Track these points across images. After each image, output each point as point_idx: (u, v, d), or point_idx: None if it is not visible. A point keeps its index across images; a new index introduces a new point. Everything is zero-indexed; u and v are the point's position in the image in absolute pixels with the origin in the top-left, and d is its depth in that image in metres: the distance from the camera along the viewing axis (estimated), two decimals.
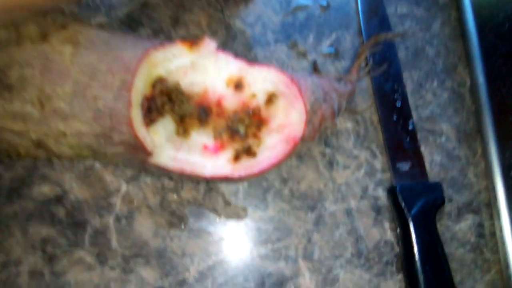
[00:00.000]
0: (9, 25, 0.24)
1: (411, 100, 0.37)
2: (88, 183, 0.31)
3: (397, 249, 0.34)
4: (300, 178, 0.34)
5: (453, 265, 0.34)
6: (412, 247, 0.32)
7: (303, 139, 0.28)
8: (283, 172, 0.34)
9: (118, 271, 0.30)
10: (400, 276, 0.33)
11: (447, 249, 0.34)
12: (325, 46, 0.38)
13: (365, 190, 0.34)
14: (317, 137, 0.30)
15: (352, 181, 0.34)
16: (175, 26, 0.35)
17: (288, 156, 0.28)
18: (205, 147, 0.28)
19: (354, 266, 0.33)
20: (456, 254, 0.35)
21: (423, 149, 0.36)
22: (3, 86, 0.24)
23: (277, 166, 0.28)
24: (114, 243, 0.30)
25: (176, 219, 0.32)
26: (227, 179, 0.28)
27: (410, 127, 0.36)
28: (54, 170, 0.31)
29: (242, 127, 0.28)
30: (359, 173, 0.35)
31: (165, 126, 0.27)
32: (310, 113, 0.28)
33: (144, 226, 0.31)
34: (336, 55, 0.38)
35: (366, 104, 0.37)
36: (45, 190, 0.30)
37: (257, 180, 0.33)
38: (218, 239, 0.32)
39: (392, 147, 0.35)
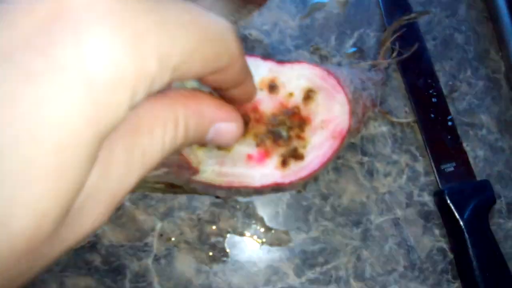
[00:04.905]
0: None
1: (445, 94, 0.36)
2: (121, 225, 0.30)
3: (450, 255, 0.33)
4: (341, 192, 0.33)
5: (510, 265, 0.33)
6: (467, 253, 0.31)
7: (349, 131, 0.27)
8: (322, 188, 0.33)
9: None
10: (457, 284, 0.32)
11: (501, 249, 0.33)
12: (349, 46, 0.36)
13: (410, 197, 0.34)
14: (362, 129, 0.30)
15: (395, 189, 0.34)
16: None
17: (337, 152, 0.27)
18: (249, 157, 0.27)
19: (408, 279, 0.32)
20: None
21: (464, 145, 0.35)
22: None
23: (327, 164, 0.28)
24: (156, 285, 0.30)
25: (217, 252, 0.31)
26: (278, 187, 0.27)
27: (450, 124, 0.35)
28: None
29: (284, 130, 0.28)
30: (402, 179, 0.34)
31: None
32: (353, 103, 0.28)
33: (185, 264, 0.30)
34: (361, 54, 0.36)
35: (399, 103, 0.35)
36: None
37: (296, 200, 0.32)
38: (264, 268, 0.31)
39: (434, 148, 0.34)
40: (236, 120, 0.22)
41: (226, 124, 0.21)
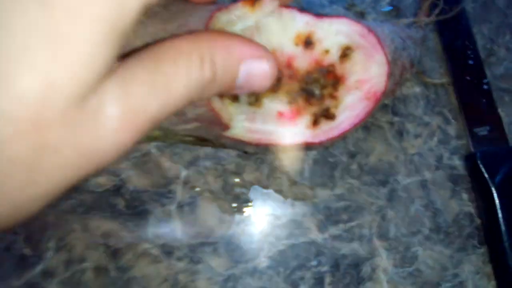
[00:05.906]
0: None
1: (482, 57, 0.35)
2: (146, 171, 0.30)
3: (477, 221, 0.32)
4: (369, 151, 0.32)
5: None
6: (497, 218, 0.31)
7: (385, 93, 0.26)
8: (350, 146, 0.32)
9: (186, 261, 0.29)
10: (483, 250, 0.32)
11: None
12: (385, 3, 0.35)
13: (439, 159, 0.33)
14: (397, 91, 0.29)
15: (425, 151, 0.33)
16: None
17: (370, 114, 0.27)
18: (280, 114, 0.26)
19: (433, 242, 0.31)
20: None
21: (499, 110, 0.34)
22: None
23: (358, 125, 0.27)
24: (178, 232, 0.30)
25: (240, 203, 0.31)
26: (306, 146, 0.26)
27: (485, 87, 0.33)
28: None
29: (317, 88, 0.27)
30: (432, 142, 0.33)
31: (237, 96, 0.26)
32: (392, 64, 0.26)
33: (208, 213, 0.30)
34: (397, 12, 0.35)
35: (434, 64, 0.34)
36: (102, 181, 0.30)
37: (322, 156, 0.32)
38: (287, 221, 0.31)
39: (468, 111, 0.33)
40: (267, 58, 0.21)
41: (257, 62, 0.21)
